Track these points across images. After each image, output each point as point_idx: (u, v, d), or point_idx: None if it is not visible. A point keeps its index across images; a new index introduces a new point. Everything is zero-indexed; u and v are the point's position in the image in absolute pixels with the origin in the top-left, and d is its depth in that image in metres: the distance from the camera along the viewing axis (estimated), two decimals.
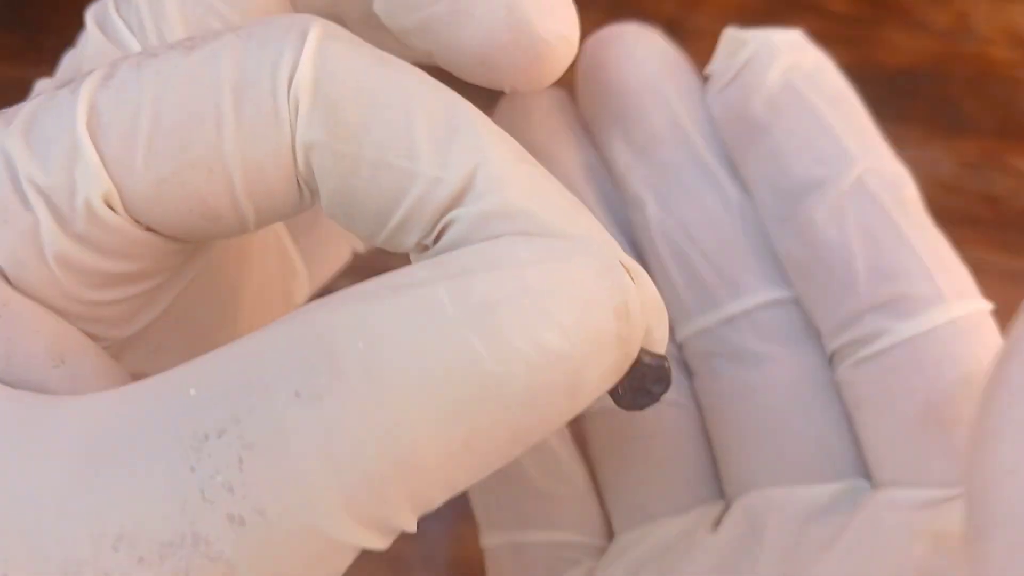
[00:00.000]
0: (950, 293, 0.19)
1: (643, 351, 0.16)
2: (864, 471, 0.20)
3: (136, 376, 0.16)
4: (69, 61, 0.18)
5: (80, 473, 0.13)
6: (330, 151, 0.15)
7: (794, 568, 0.19)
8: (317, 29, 0.15)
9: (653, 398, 0.16)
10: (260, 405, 0.13)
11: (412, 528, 0.14)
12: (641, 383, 0.16)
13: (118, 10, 0.17)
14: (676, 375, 0.22)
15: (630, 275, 0.15)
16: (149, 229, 0.15)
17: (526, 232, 0.15)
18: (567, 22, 0.17)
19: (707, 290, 0.21)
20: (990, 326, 0.20)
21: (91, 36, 0.17)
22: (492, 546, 0.23)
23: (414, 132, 0.15)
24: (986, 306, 0.20)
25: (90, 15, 0.18)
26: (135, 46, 0.17)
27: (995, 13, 0.35)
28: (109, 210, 0.15)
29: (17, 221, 0.15)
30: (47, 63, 0.19)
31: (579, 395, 0.14)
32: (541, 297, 0.14)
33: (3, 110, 0.16)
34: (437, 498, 0.14)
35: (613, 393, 0.16)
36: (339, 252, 0.24)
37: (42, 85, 0.19)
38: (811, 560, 0.19)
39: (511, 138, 0.15)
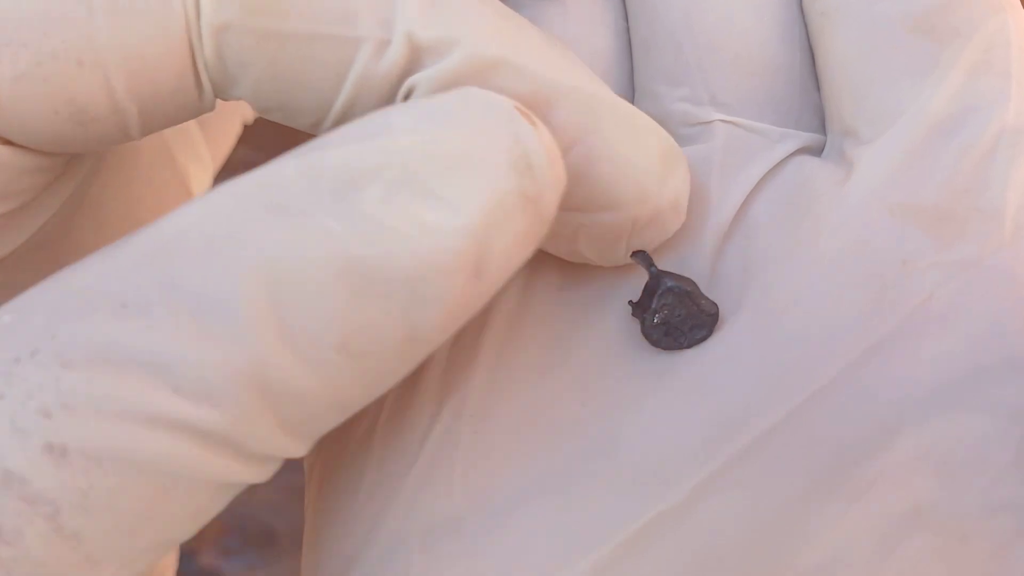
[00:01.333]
0: None
1: (663, 272, 0.14)
2: (809, 117, 0.16)
3: None
4: None
5: None
6: (249, 31, 0.13)
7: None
8: None
9: (686, 341, 0.14)
10: (78, 318, 0.11)
11: (301, 453, 0.12)
12: (664, 314, 0.14)
13: None
14: None
15: (531, 121, 0.12)
16: (6, 142, 0.13)
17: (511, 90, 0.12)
18: None
19: None
20: None
21: None
22: None
23: None
24: None
25: None
26: None
27: None
28: None
29: None
30: None
31: (485, 272, 0.12)
32: (414, 165, 0.11)
33: None
34: (328, 418, 0.12)
35: (644, 326, 0.14)
36: (232, 126, 0.22)
37: None
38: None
39: None
